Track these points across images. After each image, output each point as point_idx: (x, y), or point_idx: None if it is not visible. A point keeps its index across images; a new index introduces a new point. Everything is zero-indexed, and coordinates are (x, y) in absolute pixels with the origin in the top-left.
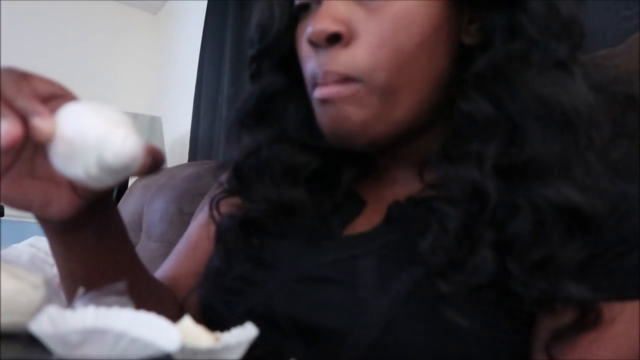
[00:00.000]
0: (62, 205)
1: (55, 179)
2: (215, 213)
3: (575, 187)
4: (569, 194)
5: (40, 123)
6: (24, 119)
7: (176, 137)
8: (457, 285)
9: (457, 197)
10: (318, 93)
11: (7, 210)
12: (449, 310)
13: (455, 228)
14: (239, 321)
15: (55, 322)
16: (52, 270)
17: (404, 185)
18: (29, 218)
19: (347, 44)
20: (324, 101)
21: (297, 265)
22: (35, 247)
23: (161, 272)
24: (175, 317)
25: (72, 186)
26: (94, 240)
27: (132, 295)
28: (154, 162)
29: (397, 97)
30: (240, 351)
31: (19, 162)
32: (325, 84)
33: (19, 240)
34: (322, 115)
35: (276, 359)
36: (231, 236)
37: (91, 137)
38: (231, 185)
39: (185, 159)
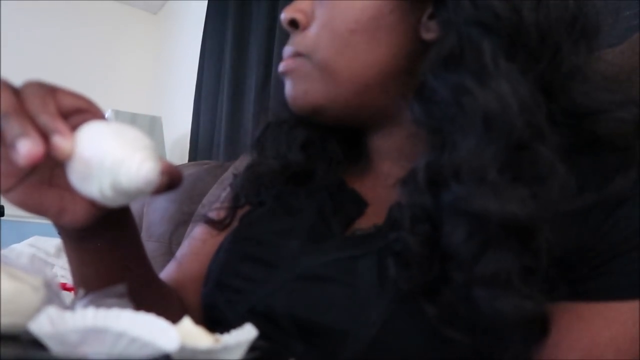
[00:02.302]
0: (77, 214)
1: (67, 188)
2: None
3: (497, 196)
4: (490, 206)
5: (60, 142)
6: (45, 136)
7: (176, 137)
8: (441, 305)
9: (409, 217)
10: (279, 67)
11: (7, 210)
12: (442, 328)
13: (415, 254)
14: (239, 319)
15: (54, 322)
16: (52, 270)
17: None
18: (29, 218)
19: (304, 28)
20: (283, 74)
21: (298, 265)
22: (35, 247)
23: (167, 274)
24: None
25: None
26: (109, 247)
27: (140, 299)
28: (171, 181)
29: (336, 76)
30: (240, 352)
31: (38, 170)
32: (284, 59)
33: (19, 240)
34: (284, 87)
35: (276, 358)
36: (243, 185)
37: (107, 160)
38: (251, 148)
39: (185, 159)
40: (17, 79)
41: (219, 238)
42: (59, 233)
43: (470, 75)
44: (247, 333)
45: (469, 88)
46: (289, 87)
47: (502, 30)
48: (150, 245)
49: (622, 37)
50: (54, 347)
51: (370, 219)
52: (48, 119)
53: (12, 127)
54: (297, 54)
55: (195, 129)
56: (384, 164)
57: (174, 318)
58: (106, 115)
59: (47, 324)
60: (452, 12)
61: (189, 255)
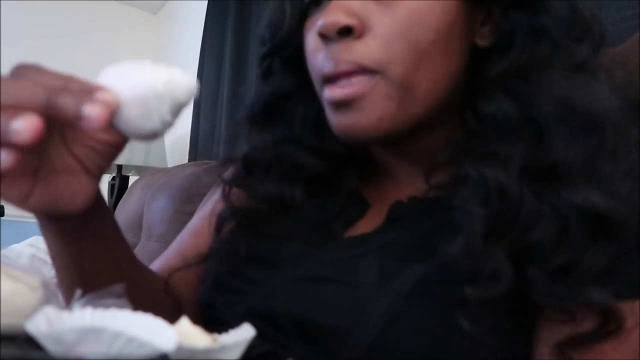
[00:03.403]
0: (85, 191)
1: (70, 168)
2: (226, 194)
3: (599, 192)
4: (594, 199)
5: (107, 95)
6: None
7: (176, 137)
8: (481, 292)
9: (479, 199)
10: (330, 94)
11: (7, 210)
12: (459, 314)
13: (482, 231)
14: (238, 320)
15: (51, 322)
16: (52, 271)
17: (408, 186)
18: (29, 218)
19: (359, 36)
20: (339, 104)
21: (298, 266)
22: (35, 247)
23: (159, 263)
24: (171, 309)
25: (85, 169)
26: (103, 233)
27: (130, 290)
28: None
29: (414, 93)
30: (238, 351)
31: (42, 161)
32: (337, 75)
33: (19, 240)
34: (335, 119)
35: (276, 359)
36: (227, 228)
37: (159, 86)
38: (238, 176)
39: (185, 159)
40: None
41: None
42: (53, 232)
43: (562, 75)
44: (245, 333)
45: (567, 87)
46: (353, 117)
47: (585, 32)
48: (150, 245)
49: (622, 37)
50: (51, 347)
51: (371, 220)
52: (78, 83)
53: (67, 101)
54: (362, 69)
55: (195, 129)
56: (396, 166)
57: (163, 307)
58: None
59: (44, 324)
60: (537, 16)
61: (184, 243)
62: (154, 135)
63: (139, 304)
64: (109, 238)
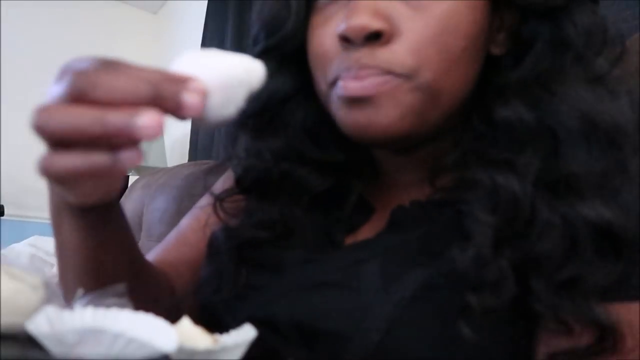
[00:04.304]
0: (120, 178)
1: None
2: (220, 213)
3: (613, 208)
4: (608, 216)
5: (199, 84)
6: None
7: (176, 137)
8: (485, 301)
9: (489, 206)
10: (346, 88)
11: (7, 210)
12: (461, 321)
13: (493, 239)
14: (238, 325)
15: (52, 322)
16: (52, 270)
17: (411, 190)
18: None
19: (387, 42)
20: (355, 100)
21: (300, 272)
22: (35, 246)
23: (151, 257)
24: (169, 303)
25: None
26: (120, 224)
27: (138, 286)
28: None
29: (439, 99)
30: (239, 352)
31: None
32: (360, 77)
33: (19, 240)
34: (349, 116)
35: (277, 359)
36: (223, 256)
37: (242, 74)
38: (233, 192)
39: (185, 159)
40: (16, 79)
41: (207, 230)
42: (84, 223)
43: (583, 87)
44: (246, 333)
45: (590, 101)
46: (372, 114)
47: (605, 44)
48: (150, 245)
49: (622, 37)
50: (52, 348)
51: (374, 224)
52: (170, 74)
53: (168, 92)
54: (388, 74)
55: (195, 129)
56: (399, 171)
57: (164, 300)
58: None
59: (44, 324)
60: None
61: (173, 242)
62: (225, 122)
63: (145, 300)
64: (125, 230)
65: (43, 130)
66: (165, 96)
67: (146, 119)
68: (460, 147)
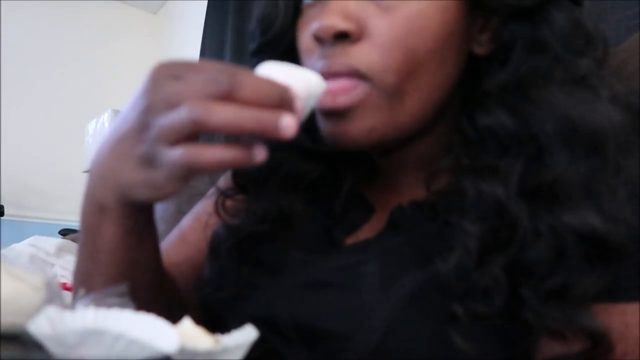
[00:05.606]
0: None
1: None
2: (222, 212)
3: (599, 214)
4: (593, 222)
5: (298, 99)
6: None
7: None
8: (472, 311)
9: (476, 214)
10: (321, 103)
11: (7, 210)
12: (452, 331)
13: (477, 249)
14: (239, 325)
15: (53, 323)
16: (52, 270)
17: (410, 191)
18: (29, 218)
19: (356, 41)
20: (329, 113)
21: (301, 272)
22: (35, 247)
23: None
24: (175, 305)
25: None
26: (154, 224)
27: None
28: None
29: (404, 102)
30: (240, 353)
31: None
32: (332, 75)
33: (19, 240)
34: (325, 126)
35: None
36: (224, 254)
37: (313, 87)
38: (232, 189)
39: None
40: (16, 79)
41: (208, 230)
42: (134, 222)
43: (563, 90)
44: (247, 334)
45: (568, 105)
46: (344, 126)
47: (586, 46)
48: None
49: (622, 37)
50: (53, 348)
51: (374, 225)
52: (270, 85)
53: (288, 97)
54: (355, 73)
55: None
56: (396, 172)
57: (174, 304)
58: (105, 115)
59: (45, 325)
60: (538, 26)
61: (174, 241)
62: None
63: (161, 302)
64: (156, 231)
65: (204, 124)
66: (288, 103)
67: (289, 119)
68: (451, 150)
